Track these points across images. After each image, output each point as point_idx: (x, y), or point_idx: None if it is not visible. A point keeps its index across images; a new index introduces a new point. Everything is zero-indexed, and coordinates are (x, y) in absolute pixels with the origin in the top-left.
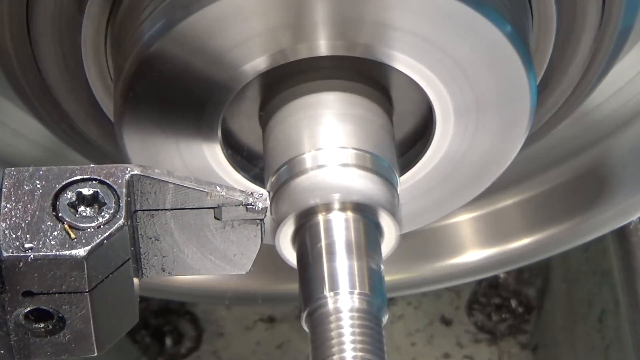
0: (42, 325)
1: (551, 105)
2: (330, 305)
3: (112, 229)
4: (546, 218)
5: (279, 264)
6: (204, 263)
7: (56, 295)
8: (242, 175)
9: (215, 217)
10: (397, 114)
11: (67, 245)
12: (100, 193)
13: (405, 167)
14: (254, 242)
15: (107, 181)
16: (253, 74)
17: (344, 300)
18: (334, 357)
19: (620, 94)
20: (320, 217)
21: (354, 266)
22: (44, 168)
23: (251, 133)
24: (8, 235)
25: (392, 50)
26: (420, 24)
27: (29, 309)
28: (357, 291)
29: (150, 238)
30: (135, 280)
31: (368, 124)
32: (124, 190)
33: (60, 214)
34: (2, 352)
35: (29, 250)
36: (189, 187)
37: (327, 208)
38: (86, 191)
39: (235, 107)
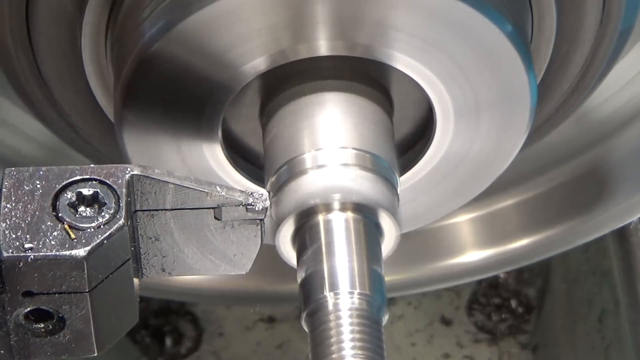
0: (42, 325)
1: (551, 105)
2: (330, 306)
3: (112, 229)
4: (546, 218)
5: (279, 264)
6: (204, 263)
7: (56, 295)
8: (242, 175)
9: (215, 217)
10: (397, 114)
11: (67, 245)
12: (100, 193)
13: (405, 167)
14: (254, 242)
15: (107, 181)
16: (253, 74)
17: (344, 300)
18: (334, 357)
19: (620, 94)
20: (320, 217)
21: (354, 266)
22: (44, 168)
23: (251, 133)
24: (8, 235)
25: (392, 50)
26: (421, 24)
27: (29, 309)
28: (357, 291)
29: (150, 238)
30: (135, 280)
31: (368, 124)
32: (124, 190)
33: (60, 214)
34: (2, 352)
35: (29, 250)
36: (189, 187)
37: (327, 208)
38: (86, 191)
39: (235, 107)
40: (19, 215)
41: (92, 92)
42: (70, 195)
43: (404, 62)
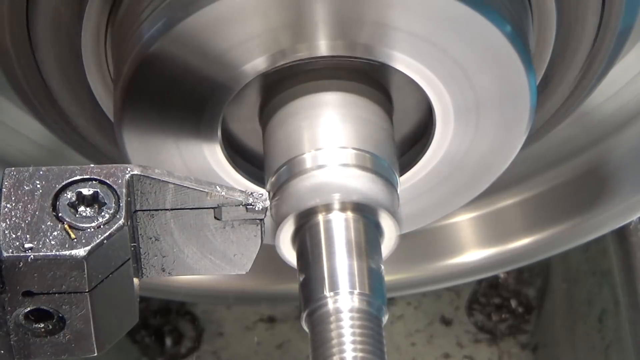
0: (42, 325)
1: (551, 105)
2: (330, 306)
3: (112, 229)
4: (546, 218)
5: (279, 264)
6: (204, 263)
7: (56, 295)
8: (242, 175)
9: (215, 217)
10: (397, 114)
11: (67, 245)
12: (100, 193)
13: (405, 167)
14: (254, 242)
15: (107, 181)
16: (253, 74)
17: (344, 301)
18: (334, 357)
19: (620, 94)
20: (320, 217)
21: (354, 266)
22: (44, 168)
23: (251, 133)
24: (8, 235)
25: (392, 50)
26: (420, 24)
27: (29, 309)
28: (357, 291)
29: (150, 238)
30: (135, 280)
31: (368, 124)
32: (124, 190)
33: (60, 214)
34: (2, 352)
35: (29, 250)
36: (189, 187)
37: (327, 208)
38: (86, 191)
39: (235, 107)
40: (19, 215)
41: (92, 92)
42: (70, 195)
43: (404, 62)
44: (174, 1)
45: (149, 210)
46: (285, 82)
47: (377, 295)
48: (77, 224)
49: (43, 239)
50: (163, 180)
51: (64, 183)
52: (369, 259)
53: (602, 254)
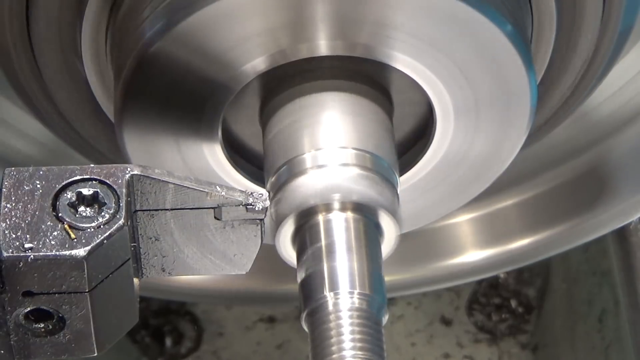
0: (42, 325)
1: (551, 105)
2: (330, 305)
3: (112, 229)
4: (546, 218)
5: (279, 264)
6: (204, 263)
7: (56, 295)
8: (242, 175)
9: (215, 217)
10: (397, 114)
11: (67, 245)
12: (100, 193)
13: (405, 167)
14: (254, 242)
15: (107, 181)
16: (253, 74)
17: (344, 300)
18: (334, 357)
19: (620, 94)
20: (320, 217)
21: (354, 266)
22: (44, 168)
23: (251, 133)
24: (8, 235)
25: (392, 50)
26: (420, 23)
27: (29, 309)
28: (357, 291)
29: (150, 238)
30: (135, 280)
31: (368, 124)
32: (124, 190)
33: (60, 214)
34: (2, 352)
35: (29, 250)
36: (189, 187)
37: (327, 208)
38: (86, 191)
39: (235, 107)
40: (19, 215)
41: (92, 92)
42: (70, 195)
43: (404, 62)
44: (174, 1)
45: (149, 210)
46: (285, 82)
47: (377, 295)
48: (77, 224)
49: (43, 239)
50: (163, 180)
51: (64, 183)
52: (369, 259)
53: (602, 254)
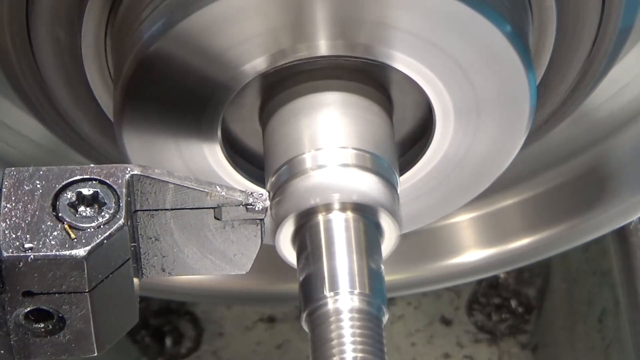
0: (42, 325)
1: (551, 105)
2: (330, 306)
3: (112, 229)
4: (546, 218)
5: (279, 264)
6: (204, 263)
7: (56, 295)
8: (242, 175)
9: (215, 217)
10: (397, 113)
11: (67, 245)
12: (100, 193)
13: (405, 167)
14: (254, 242)
15: (107, 181)
16: (253, 74)
17: (344, 301)
18: (334, 357)
19: (620, 94)
20: (320, 217)
21: (354, 266)
22: (44, 168)
23: (251, 133)
24: (8, 235)
25: (392, 50)
26: (420, 24)
27: (29, 309)
28: (357, 291)
29: (150, 238)
30: (135, 280)
31: (368, 124)
32: (124, 190)
33: (60, 214)
34: (2, 352)
35: (29, 250)
36: (189, 187)
37: (327, 208)
38: (86, 191)
39: (235, 107)
40: (19, 215)
41: (92, 92)
42: (70, 195)
43: (404, 62)
44: (174, 1)
45: (149, 210)
46: (285, 82)
47: (377, 295)
48: (77, 224)
49: (43, 239)
50: (163, 180)
51: (64, 183)
52: (369, 259)
53: (602, 254)
